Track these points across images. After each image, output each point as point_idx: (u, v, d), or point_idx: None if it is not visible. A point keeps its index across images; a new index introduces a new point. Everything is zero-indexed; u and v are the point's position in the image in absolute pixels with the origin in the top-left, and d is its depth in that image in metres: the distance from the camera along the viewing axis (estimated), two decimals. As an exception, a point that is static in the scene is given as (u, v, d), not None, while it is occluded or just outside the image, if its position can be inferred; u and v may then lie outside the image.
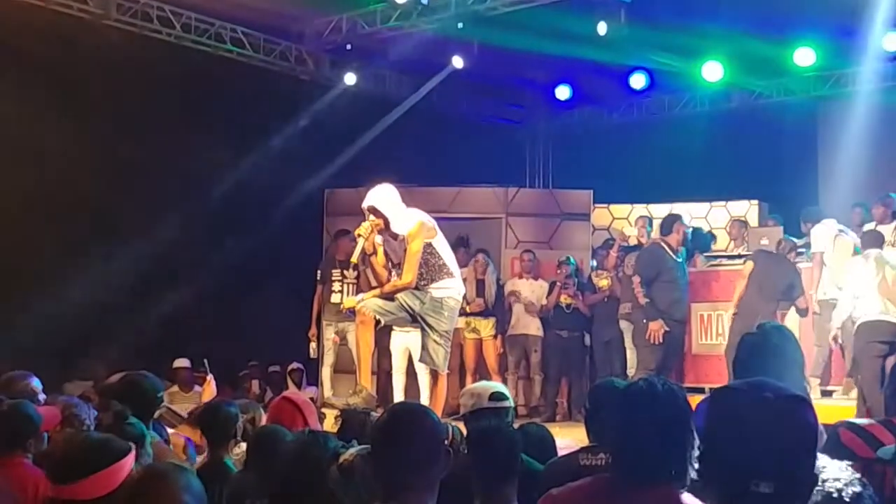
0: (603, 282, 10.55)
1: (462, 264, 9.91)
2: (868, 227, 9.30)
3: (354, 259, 7.17)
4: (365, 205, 6.66)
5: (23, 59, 9.95)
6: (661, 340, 8.54)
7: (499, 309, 10.52)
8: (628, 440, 2.45)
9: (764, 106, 13.46)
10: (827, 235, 9.36)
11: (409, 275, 6.56)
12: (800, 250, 9.66)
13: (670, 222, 8.96)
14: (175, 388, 9.74)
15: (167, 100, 10.83)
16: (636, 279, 8.79)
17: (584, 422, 3.89)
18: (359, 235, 6.69)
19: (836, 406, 8.36)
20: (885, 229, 9.14)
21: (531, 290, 10.70)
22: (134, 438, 3.20)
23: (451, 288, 6.76)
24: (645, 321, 8.63)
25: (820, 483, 2.12)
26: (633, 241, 10.84)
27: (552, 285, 10.63)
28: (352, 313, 6.92)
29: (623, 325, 9.91)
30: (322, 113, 12.37)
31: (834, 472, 2.33)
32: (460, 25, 11.30)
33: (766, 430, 1.78)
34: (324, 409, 6.87)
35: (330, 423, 5.92)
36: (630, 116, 14.50)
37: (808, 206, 10.35)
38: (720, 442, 1.84)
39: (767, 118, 13.15)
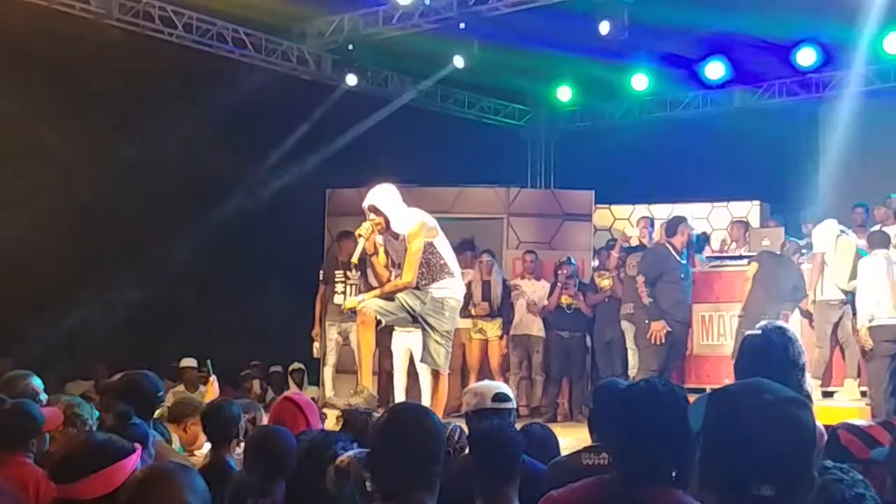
0: (605, 282, 10.56)
1: (468, 267, 9.90)
2: (874, 228, 9.31)
3: (355, 259, 7.14)
4: (365, 204, 6.64)
5: (25, 58, 9.96)
6: (662, 340, 8.59)
7: (505, 309, 10.53)
8: (629, 441, 2.45)
9: (765, 107, 13.47)
10: (828, 236, 9.34)
11: (410, 274, 6.54)
12: (802, 251, 9.66)
13: (675, 224, 9.01)
14: (180, 388, 9.76)
15: (168, 99, 10.83)
16: (640, 279, 8.85)
17: (588, 422, 3.93)
18: (359, 235, 6.66)
19: (836, 407, 8.36)
20: (890, 230, 9.15)
21: (533, 290, 10.70)
22: (138, 439, 3.20)
23: (452, 288, 6.74)
24: (647, 321, 8.67)
25: (822, 485, 2.12)
26: (634, 242, 10.88)
27: (553, 286, 10.64)
28: (353, 314, 6.90)
29: (624, 325, 9.91)
30: (323, 113, 12.37)
31: (837, 473, 2.34)
32: (462, 26, 11.30)
33: (766, 433, 1.78)
34: (325, 410, 6.86)
35: (332, 424, 5.92)
36: (632, 117, 14.51)
37: (809, 207, 10.35)
38: (719, 444, 1.84)
39: (769, 119, 13.16)
